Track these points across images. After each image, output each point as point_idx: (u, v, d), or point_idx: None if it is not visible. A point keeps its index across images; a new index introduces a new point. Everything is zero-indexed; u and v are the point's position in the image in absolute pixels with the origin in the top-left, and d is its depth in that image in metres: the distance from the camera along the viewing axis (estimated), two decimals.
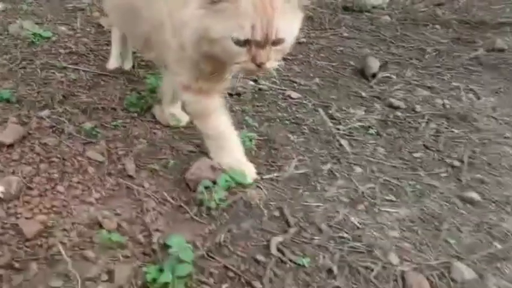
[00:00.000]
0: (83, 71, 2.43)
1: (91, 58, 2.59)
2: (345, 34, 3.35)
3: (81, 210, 1.59)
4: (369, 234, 1.58)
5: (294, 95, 2.43)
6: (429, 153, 2.03)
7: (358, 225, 1.61)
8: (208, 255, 1.47)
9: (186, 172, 1.73)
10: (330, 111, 2.31)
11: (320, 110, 2.33)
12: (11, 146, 1.80)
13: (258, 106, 2.31)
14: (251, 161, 1.82)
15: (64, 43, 2.71)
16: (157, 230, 1.54)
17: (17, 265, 1.36)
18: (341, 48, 3.09)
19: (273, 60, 1.46)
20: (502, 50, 3.14)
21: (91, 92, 2.26)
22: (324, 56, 2.97)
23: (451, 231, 1.61)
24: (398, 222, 1.64)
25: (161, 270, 1.34)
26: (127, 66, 2.48)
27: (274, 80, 2.48)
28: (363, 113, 2.31)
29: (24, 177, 1.66)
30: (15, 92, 2.14)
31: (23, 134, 1.86)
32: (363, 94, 2.50)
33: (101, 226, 1.53)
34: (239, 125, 2.03)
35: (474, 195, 1.77)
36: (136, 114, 2.11)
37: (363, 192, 1.76)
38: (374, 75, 2.67)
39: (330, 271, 1.43)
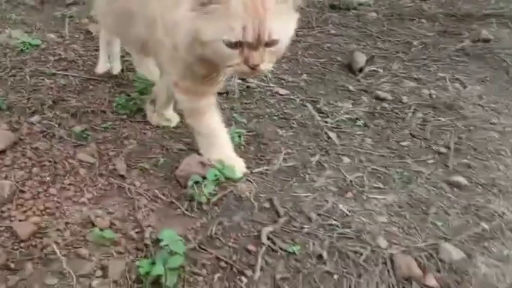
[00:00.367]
0: (73, 76, 2.45)
1: (80, 64, 2.61)
2: (333, 31, 3.38)
3: (74, 211, 1.61)
4: (358, 220, 1.60)
5: (282, 91, 2.46)
6: (416, 142, 2.06)
7: (347, 212, 1.64)
8: (200, 247, 1.49)
9: (176, 169, 1.75)
10: (318, 106, 2.34)
11: (308, 105, 2.36)
12: (2, 151, 1.81)
13: (246, 103, 2.34)
14: (241, 156, 1.85)
15: (53, 50, 2.73)
16: (149, 225, 1.56)
17: (12, 266, 1.38)
18: (328, 45, 3.12)
19: (267, 62, 1.43)
20: (487, 41, 3.18)
21: (80, 96, 2.28)
22: (312, 53, 3.00)
23: (438, 215, 1.64)
24: (386, 207, 1.67)
25: (153, 264, 1.36)
26: (116, 70, 2.50)
27: (263, 77, 2.50)
28: (351, 106, 2.34)
29: (17, 181, 1.68)
30: (5, 99, 2.16)
31: (14, 140, 1.88)
32: (351, 88, 2.53)
33: (94, 225, 1.55)
34: (228, 122, 2.06)
35: (461, 180, 1.79)
36: (125, 116, 2.13)
37: (351, 181, 1.79)
38: (360, 70, 2.70)
39: (320, 257, 1.45)
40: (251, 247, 1.49)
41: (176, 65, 1.66)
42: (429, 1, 4.02)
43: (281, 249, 1.48)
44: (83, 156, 1.86)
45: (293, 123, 2.18)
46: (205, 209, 1.63)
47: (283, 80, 2.59)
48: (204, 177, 1.68)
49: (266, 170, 1.84)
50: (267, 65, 1.44)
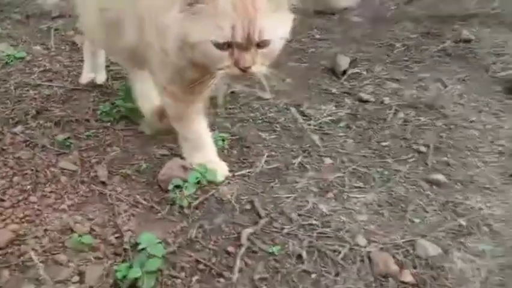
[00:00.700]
0: (57, 86, 2.47)
1: (65, 74, 2.62)
2: (317, 36, 3.41)
3: (53, 218, 1.63)
4: (338, 219, 1.61)
5: (266, 95, 2.47)
6: (396, 142, 2.08)
7: (327, 212, 1.65)
8: (179, 250, 1.50)
9: (158, 174, 1.76)
10: (301, 109, 2.35)
11: (292, 108, 2.37)
12: None
13: (230, 108, 2.35)
14: (224, 160, 1.86)
15: (38, 62, 2.75)
16: (128, 230, 1.57)
17: None
18: (312, 50, 3.14)
19: (259, 65, 1.38)
20: (468, 41, 3.20)
21: (64, 106, 2.30)
22: (296, 58, 3.02)
23: (416, 212, 1.65)
24: (366, 206, 1.68)
25: (131, 267, 1.37)
26: (100, 80, 2.50)
27: (246, 83, 2.52)
28: (334, 108, 2.36)
29: None
30: None
31: None
32: (334, 91, 2.55)
33: (73, 231, 1.56)
34: (212, 126, 2.06)
35: (440, 177, 1.81)
36: (109, 124, 2.14)
37: (332, 181, 1.80)
38: (344, 72, 2.72)
39: (299, 256, 1.46)
40: (231, 249, 1.50)
41: (166, 70, 1.62)
42: (412, 4, 4.06)
43: (261, 250, 1.50)
44: (65, 164, 1.88)
45: (276, 127, 2.20)
46: (186, 213, 1.65)
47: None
48: (186, 181, 1.69)
49: (248, 172, 1.85)
50: (259, 68, 1.39)
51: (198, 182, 1.72)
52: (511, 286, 1.37)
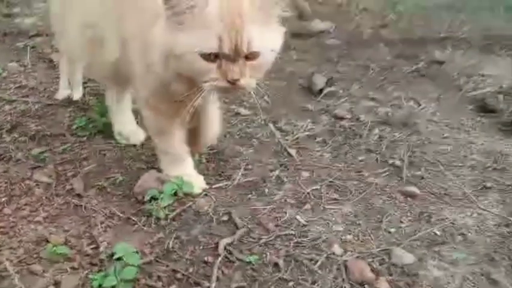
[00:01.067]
0: (33, 102, 2.45)
1: (41, 90, 2.61)
2: (294, 57, 3.47)
3: (28, 229, 1.61)
4: (315, 230, 1.62)
5: (244, 112, 2.50)
6: (372, 156, 2.11)
7: (304, 222, 1.66)
8: (156, 260, 1.49)
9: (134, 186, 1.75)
10: (279, 125, 2.38)
11: (270, 124, 2.39)
12: None
13: None
14: (201, 173, 1.87)
15: (14, 78, 2.74)
16: (104, 241, 1.55)
17: None
18: (290, 69, 3.19)
19: (248, 77, 1.33)
20: (441, 62, 3.31)
21: (40, 120, 2.29)
22: (274, 77, 3.06)
23: (392, 222, 1.67)
24: (342, 217, 1.70)
25: (107, 276, 1.35)
26: (77, 96, 2.50)
27: (225, 100, 2.54)
28: (311, 124, 2.39)
29: None
30: None
31: None
32: (311, 108, 2.59)
33: (48, 242, 1.53)
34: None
35: (414, 189, 1.84)
36: (85, 138, 2.14)
37: (309, 193, 1.82)
38: (320, 91, 2.77)
39: (276, 265, 1.46)
40: (208, 259, 1.50)
41: (150, 84, 1.58)
42: (386, 28, 4.18)
43: (238, 259, 1.49)
44: (40, 177, 1.86)
45: (254, 142, 2.22)
46: (163, 224, 1.64)
47: (245, 101, 2.63)
48: (161, 192, 1.69)
49: (226, 185, 1.86)
50: (248, 80, 1.34)
51: (175, 194, 1.72)
52: None
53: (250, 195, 1.81)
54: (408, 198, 1.81)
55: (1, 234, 1.56)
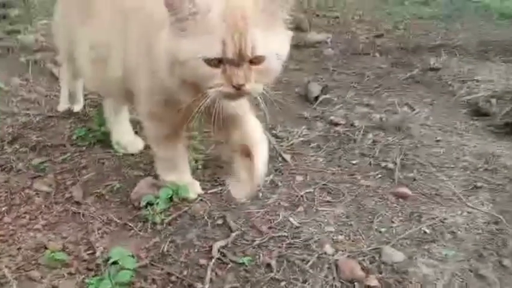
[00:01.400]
0: (34, 114, 2.51)
1: (43, 103, 2.67)
2: (291, 67, 3.52)
3: (27, 237, 1.64)
4: (307, 231, 1.65)
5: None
6: (365, 160, 2.15)
7: (297, 224, 1.69)
8: (151, 264, 1.52)
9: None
10: (274, 132, 2.42)
11: (266, 131, 2.43)
12: None
13: (206, 132, 2.40)
14: (197, 179, 1.90)
15: (16, 92, 2.80)
16: (101, 247, 1.58)
17: None
18: (287, 79, 3.24)
19: (253, 83, 1.30)
20: (436, 69, 3.36)
21: (41, 132, 2.34)
22: (271, 86, 3.11)
23: (383, 222, 1.70)
24: (335, 218, 1.73)
25: (102, 280, 1.39)
26: (77, 108, 2.56)
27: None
28: (306, 130, 2.43)
29: None
30: None
31: None
32: (306, 115, 2.63)
33: (46, 248, 1.57)
34: (187, 149, 2.11)
35: (406, 190, 1.87)
36: (84, 148, 2.19)
37: (302, 196, 1.85)
38: (316, 98, 2.82)
39: (268, 266, 1.49)
40: (202, 261, 1.53)
41: (155, 94, 1.58)
42: (383, 37, 4.24)
43: (232, 261, 1.52)
44: (39, 186, 1.91)
45: None
46: (159, 229, 1.67)
47: None
48: (157, 197, 1.72)
49: (221, 190, 1.90)
50: (254, 85, 1.31)
51: (170, 199, 1.76)
52: None
53: (244, 200, 1.84)
54: (400, 199, 1.84)
55: (0, 242, 1.60)
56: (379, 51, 3.85)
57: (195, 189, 1.86)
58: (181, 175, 1.86)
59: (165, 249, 1.58)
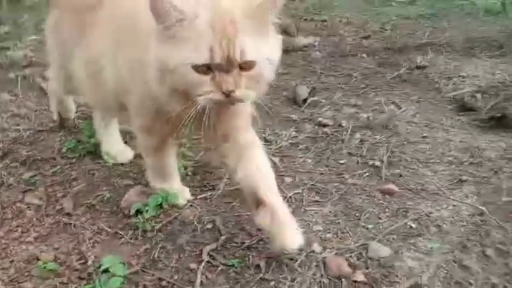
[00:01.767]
0: (24, 129, 2.53)
1: (32, 118, 2.69)
2: (280, 71, 3.53)
3: (20, 250, 1.67)
4: None
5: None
6: (353, 159, 2.17)
7: None
8: (142, 270, 1.54)
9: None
10: (263, 135, 2.44)
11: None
12: None
13: (195, 138, 2.42)
14: (186, 185, 1.93)
15: (5, 108, 2.82)
16: (92, 256, 1.60)
17: None
18: (276, 83, 3.25)
19: (244, 89, 1.28)
20: (423, 67, 3.39)
21: (31, 146, 2.36)
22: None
23: (370, 219, 1.73)
24: (322, 217, 1.75)
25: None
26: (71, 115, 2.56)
27: None
28: (294, 133, 2.46)
29: None
30: None
31: None
32: (295, 118, 2.66)
33: (39, 260, 1.59)
34: (177, 156, 2.14)
35: (392, 187, 1.90)
36: (74, 160, 2.21)
37: (291, 197, 1.87)
38: (304, 101, 2.85)
39: (257, 266, 1.52)
40: (193, 265, 1.55)
41: (146, 106, 1.57)
42: (370, 38, 4.28)
43: (221, 264, 1.54)
44: (31, 200, 1.93)
45: None
46: (149, 236, 1.69)
47: None
48: (146, 205, 1.75)
49: (210, 195, 1.92)
50: (244, 92, 1.28)
51: (160, 206, 1.78)
52: (457, 278, 1.44)
53: (234, 203, 1.86)
54: (387, 196, 1.87)
55: None
56: (366, 52, 3.89)
57: (184, 195, 1.88)
58: (171, 182, 1.88)
59: (156, 255, 1.60)
